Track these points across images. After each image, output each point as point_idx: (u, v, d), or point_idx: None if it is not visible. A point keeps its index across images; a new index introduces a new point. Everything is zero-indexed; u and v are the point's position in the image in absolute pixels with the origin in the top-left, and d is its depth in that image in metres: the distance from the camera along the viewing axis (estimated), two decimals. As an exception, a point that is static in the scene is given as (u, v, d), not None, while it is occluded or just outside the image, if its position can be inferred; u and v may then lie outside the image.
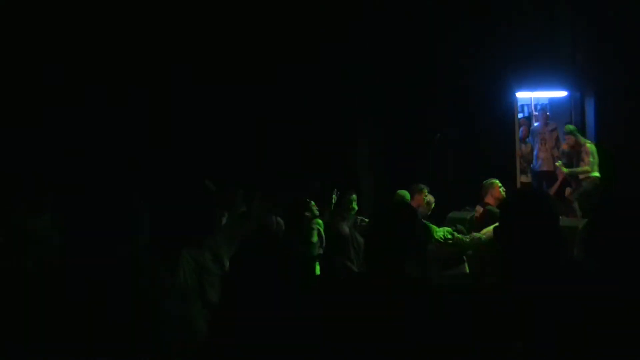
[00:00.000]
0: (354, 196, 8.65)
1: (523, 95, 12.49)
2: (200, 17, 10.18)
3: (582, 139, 10.99)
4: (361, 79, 10.39)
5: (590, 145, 10.88)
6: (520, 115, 12.65)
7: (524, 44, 11.07)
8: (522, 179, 11.75)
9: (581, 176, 10.81)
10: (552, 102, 12.89)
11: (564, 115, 12.51)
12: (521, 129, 12.29)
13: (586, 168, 10.72)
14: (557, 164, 11.29)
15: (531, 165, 12.33)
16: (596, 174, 10.73)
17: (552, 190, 11.52)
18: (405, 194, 8.58)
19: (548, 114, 12.55)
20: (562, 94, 12.38)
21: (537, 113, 13.04)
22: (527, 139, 12.51)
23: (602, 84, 11.56)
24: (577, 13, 11.57)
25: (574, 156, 11.11)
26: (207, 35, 10.17)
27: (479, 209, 7.96)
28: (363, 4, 10.55)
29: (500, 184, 7.99)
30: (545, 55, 11.40)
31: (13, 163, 8.17)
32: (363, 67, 10.40)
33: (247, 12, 10.15)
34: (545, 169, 12.24)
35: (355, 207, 8.48)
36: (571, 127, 11.24)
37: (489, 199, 7.84)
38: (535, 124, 12.85)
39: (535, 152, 12.27)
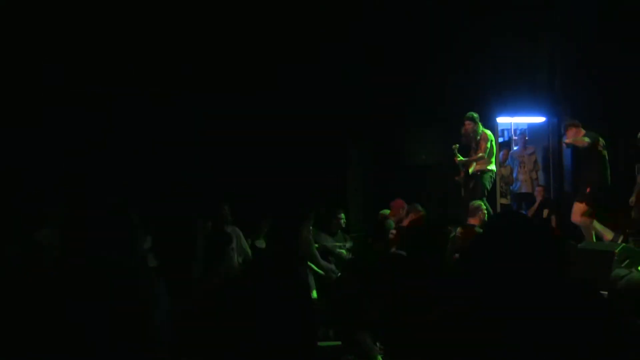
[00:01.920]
0: (343, 214, 9.20)
1: (503, 120, 12.93)
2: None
3: (480, 127, 10.44)
4: (351, 107, 10.62)
5: (489, 133, 10.52)
6: (500, 140, 13.05)
7: (504, 71, 11.49)
8: (502, 200, 12.05)
9: (477, 167, 10.34)
10: (531, 126, 13.38)
11: (542, 140, 12.98)
12: (501, 152, 12.63)
13: (480, 155, 10.24)
14: (453, 146, 10.55)
15: (510, 187, 12.71)
16: (492, 166, 10.49)
17: (530, 212, 11.89)
18: (386, 211, 9.03)
19: (527, 138, 13.00)
20: (540, 119, 12.86)
21: (516, 137, 13.47)
22: (507, 162, 12.90)
23: (579, 109, 12.01)
24: (555, 42, 12.05)
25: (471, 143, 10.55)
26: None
27: (460, 229, 8.15)
28: (343, 33, 10.70)
29: (486, 208, 8.23)
30: (525, 82, 11.87)
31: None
32: (353, 96, 10.59)
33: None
34: (524, 190, 12.67)
35: (343, 224, 9.05)
36: (473, 113, 10.53)
37: (474, 220, 8.10)
38: (515, 148, 13.27)
39: (514, 175, 12.66)
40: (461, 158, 10.37)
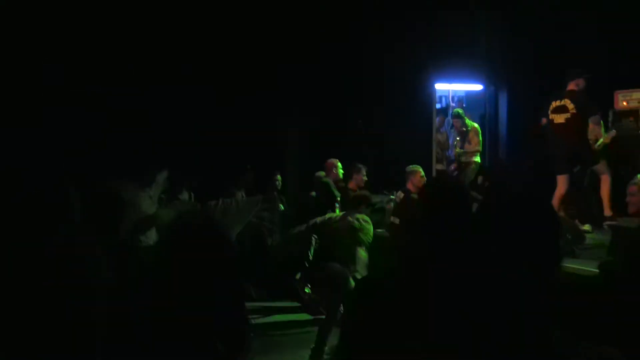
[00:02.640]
0: (279, 176, 9.24)
1: (441, 87, 13.05)
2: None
3: (468, 122, 11.38)
4: (293, 74, 10.58)
5: (477, 127, 11.41)
6: (437, 106, 13.17)
7: (443, 39, 11.55)
8: (438, 166, 12.18)
9: (464, 159, 11.25)
10: (469, 94, 13.53)
11: (479, 107, 13.15)
12: (437, 118, 12.75)
13: (477, 148, 11.21)
14: (456, 149, 11.60)
15: (446, 153, 12.85)
16: (477, 159, 11.27)
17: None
18: (322, 173, 9.04)
19: (464, 105, 13.12)
20: (477, 87, 13.01)
21: (453, 104, 13.59)
22: (443, 128, 13.01)
23: (515, 79, 12.21)
24: (492, 12, 12.16)
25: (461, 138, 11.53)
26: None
27: (400, 194, 8.22)
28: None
29: (422, 172, 8.28)
30: (463, 51, 11.96)
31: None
32: (296, 63, 10.56)
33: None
34: (459, 157, 12.84)
35: (279, 185, 9.14)
36: (458, 110, 11.65)
37: (409, 185, 8.12)
38: (452, 114, 13.40)
39: (450, 141, 12.78)
40: (459, 150, 11.32)
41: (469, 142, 11.22)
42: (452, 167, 11.66)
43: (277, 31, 10.50)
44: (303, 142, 11.17)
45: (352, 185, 8.77)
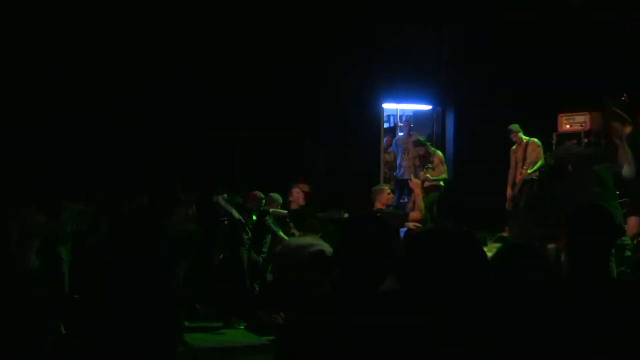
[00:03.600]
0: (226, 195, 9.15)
1: (389, 106, 13.09)
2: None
3: (432, 149, 11.63)
4: (251, 84, 10.56)
5: (440, 154, 11.65)
6: (385, 125, 13.21)
7: (392, 58, 11.62)
8: (385, 186, 12.14)
9: (427, 184, 11.21)
10: (416, 114, 13.62)
11: (426, 127, 13.23)
12: (385, 138, 12.77)
13: (444, 176, 11.48)
14: (423, 172, 11.52)
15: (394, 173, 12.88)
16: (442, 183, 11.51)
17: (412, 198, 12.05)
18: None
19: (412, 125, 13.17)
20: (426, 107, 13.10)
21: (401, 124, 13.65)
22: (390, 148, 13.05)
23: (462, 99, 12.35)
24: (441, 33, 12.31)
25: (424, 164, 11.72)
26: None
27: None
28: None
29: (389, 190, 8.23)
30: (412, 70, 12.03)
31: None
32: (253, 74, 10.56)
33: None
34: (407, 176, 12.73)
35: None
36: (421, 138, 11.86)
37: (379, 205, 8.00)
38: (400, 134, 13.45)
39: (398, 161, 12.81)
40: (431, 176, 11.39)
41: (434, 169, 11.43)
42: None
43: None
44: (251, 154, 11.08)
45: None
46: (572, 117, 10.01)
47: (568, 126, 10.05)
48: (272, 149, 10.74)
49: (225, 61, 10.31)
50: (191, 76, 10.03)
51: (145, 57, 9.84)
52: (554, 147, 9.97)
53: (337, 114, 11.28)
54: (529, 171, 9.96)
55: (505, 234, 8.97)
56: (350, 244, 2.39)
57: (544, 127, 10.27)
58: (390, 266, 2.37)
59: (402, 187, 12.69)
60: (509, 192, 10.50)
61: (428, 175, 11.42)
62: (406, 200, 11.86)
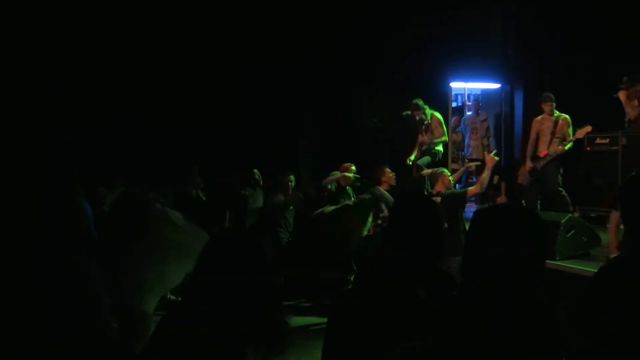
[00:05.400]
0: (292, 176, 9.34)
1: (457, 85, 13.01)
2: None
3: (428, 111, 10.57)
4: (306, 81, 10.67)
5: (440, 116, 10.68)
6: (453, 104, 13.12)
7: (459, 37, 11.51)
8: (453, 166, 12.13)
9: (424, 147, 10.60)
10: (484, 93, 13.49)
11: (495, 106, 13.11)
12: (453, 117, 12.69)
13: (442, 138, 10.58)
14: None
15: (461, 153, 12.82)
16: (440, 147, 10.70)
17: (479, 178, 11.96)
18: (336, 173, 9.11)
19: (480, 104, 13.08)
20: (494, 85, 12.97)
21: (469, 103, 13.56)
22: (459, 128, 12.99)
23: (530, 77, 12.17)
24: (509, 10, 12.13)
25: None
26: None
27: (437, 198, 8.05)
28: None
29: (449, 173, 8.24)
30: (479, 50, 11.92)
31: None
32: (308, 69, 10.66)
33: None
34: (474, 156, 12.73)
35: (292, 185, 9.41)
36: (418, 100, 10.54)
37: (439, 187, 8.06)
38: (468, 113, 13.37)
39: (466, 141, 12.76)
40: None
41: (432, 133, 10.55)
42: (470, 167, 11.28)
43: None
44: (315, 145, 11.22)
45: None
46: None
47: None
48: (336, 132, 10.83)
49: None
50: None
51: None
52: (626, 125, 9.72)
53: (403, 94, 11.28)
54: (566, 147, 9.48)
55: (575, 214, 8.81)
56: (400, 222, 2.56)
57: (615, 105, 10.04)
58: (442, 248, 2.51)
59: (470, 167, 12.62)
60: (528, 164, 9.75)
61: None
62: (474, 179, 11.76)
